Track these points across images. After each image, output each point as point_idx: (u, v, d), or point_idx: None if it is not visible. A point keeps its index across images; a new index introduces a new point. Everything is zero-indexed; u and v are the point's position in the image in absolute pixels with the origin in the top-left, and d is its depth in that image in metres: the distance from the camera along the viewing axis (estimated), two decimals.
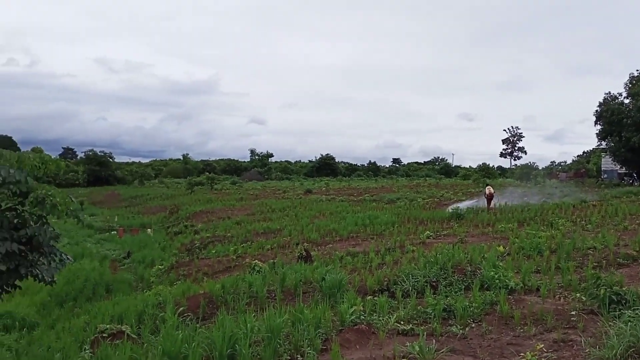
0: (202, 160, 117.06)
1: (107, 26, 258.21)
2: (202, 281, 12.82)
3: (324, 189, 56.75)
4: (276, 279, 10.13)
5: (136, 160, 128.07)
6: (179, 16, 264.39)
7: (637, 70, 49.62)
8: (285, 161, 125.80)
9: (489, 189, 26.72)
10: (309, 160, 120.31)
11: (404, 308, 7.66)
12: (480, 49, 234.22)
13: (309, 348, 5.98)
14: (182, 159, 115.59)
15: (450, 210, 23.17)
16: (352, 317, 6.99)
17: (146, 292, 12.48)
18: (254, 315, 7.02)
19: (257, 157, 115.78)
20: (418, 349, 5.45)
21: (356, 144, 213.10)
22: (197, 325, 7.33)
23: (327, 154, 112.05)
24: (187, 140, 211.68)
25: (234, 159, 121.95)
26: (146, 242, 25.31)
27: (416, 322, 7.04)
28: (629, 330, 5.21)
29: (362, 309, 7.44)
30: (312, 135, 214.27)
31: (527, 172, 64.92)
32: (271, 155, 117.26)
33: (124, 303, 10.33)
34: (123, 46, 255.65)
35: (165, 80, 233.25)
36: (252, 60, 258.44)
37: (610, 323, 5.84)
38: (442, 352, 5.58)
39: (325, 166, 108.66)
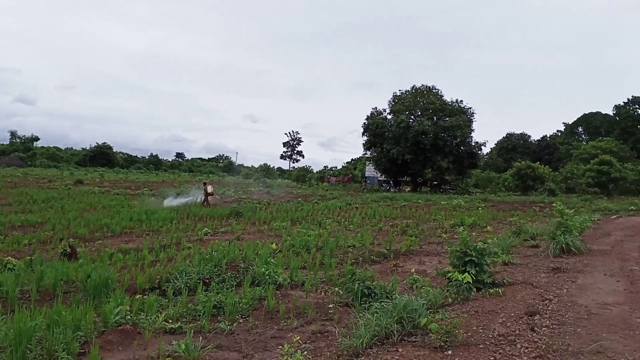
0: None
1: None
2: None
3: (97, 180, 52.60)
4: (33, 278, 9.07)
5: None
6: None
7: (400, 90, 57.05)
8: (54, 147, 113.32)
9: (210, 187, 29.61)
10: (83, 148, 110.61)
11: (174, 306, 7.54)
12: (273, 54, 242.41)
13: (64, 352, 5.49)
14: None
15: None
16: (117, 318, 6.62)
17: None
18: (2, 318, 6.19)
19: (18, 140, 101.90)
20: (184, 347, 5.41)
21: (139, 135, 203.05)
22: None
23: (104, 143, 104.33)
24: None
25: None
26: None
27: (185, 320, 6.99)
28: (375, 320, 5.87)
29: (129, 308, 7.10)
30: (90, 122, 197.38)
31: (303, 175, 69.39)
32: (37, 139, 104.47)
33: None
34: None
35: None
36: (31, 34, 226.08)
37: (360, 314, 6.51)
38: (208, 349, 5.63)
39: (101, 155, 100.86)
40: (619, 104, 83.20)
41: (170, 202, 28.44)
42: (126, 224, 18.40)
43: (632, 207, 29.41)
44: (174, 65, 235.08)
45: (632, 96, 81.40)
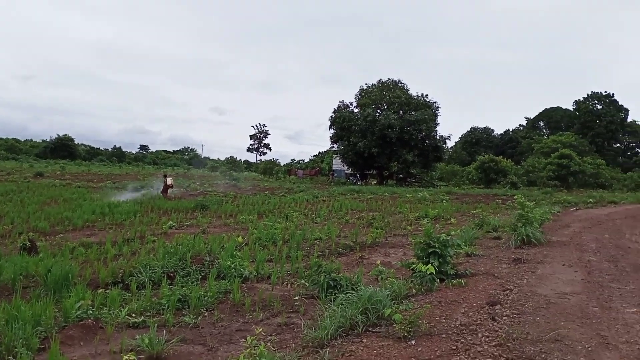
0: None
1: None
2: None
3: (58, 172, 51.26)
4: None
5: None
6: None
7: (366, 84, 57.38)
8: (13, 139, 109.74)
9: (170, 180, 29.53)
10: (43, 140, 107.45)
11: (138, 300, 7.42)
12: (240, 47, 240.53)
13: (23, 348, 5.35)
14: None
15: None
16: (79, 313, 6.49)
17: None
18: None
19: None
20: (147, 341, 5.34)
21: (101, 127, 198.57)
22: None
23: (66, 135, 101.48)
24: None
25: None
26: None
27: (149, 314, 6.89)
28: (340, 312, 5.92)
29: (91, 303, 6.96)
30: (50, 113, 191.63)
31: (270, 168, 69.13)
32: None
33: None
34: None
35: None
36: None
37: (326, 306, 6.54)
38: (172, 343, 5.57)
39: (62, 147, 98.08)
40: (579, 99, 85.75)
41: (126, 196, 27.37)
42: (88, 217, 17.99)
43: (590, 200, 30.35)
44: (138, 57, 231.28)
45: (592, 92, 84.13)
